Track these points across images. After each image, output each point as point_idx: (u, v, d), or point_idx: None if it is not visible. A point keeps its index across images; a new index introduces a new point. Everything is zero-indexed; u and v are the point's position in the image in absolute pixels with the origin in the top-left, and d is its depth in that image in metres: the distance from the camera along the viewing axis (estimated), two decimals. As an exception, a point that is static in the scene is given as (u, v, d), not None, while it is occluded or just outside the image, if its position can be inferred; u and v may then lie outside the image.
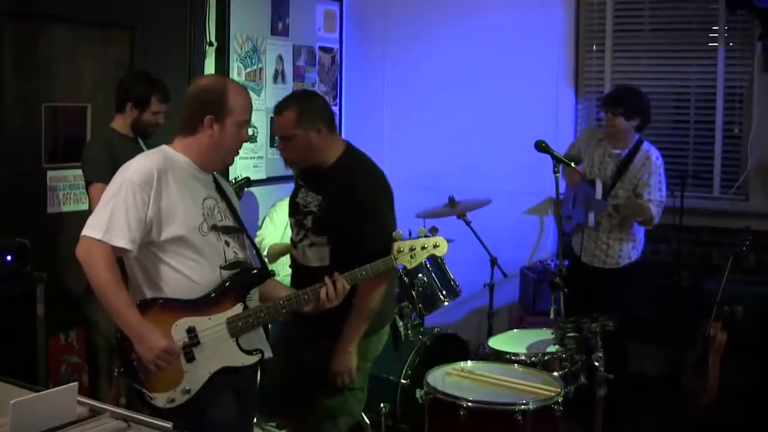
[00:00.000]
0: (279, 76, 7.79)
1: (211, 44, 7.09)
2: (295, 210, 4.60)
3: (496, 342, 5.48)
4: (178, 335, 3.62)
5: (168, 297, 3.66)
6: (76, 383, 2.72)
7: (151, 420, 2.74)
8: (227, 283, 3.76)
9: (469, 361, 5.00)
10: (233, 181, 6.34)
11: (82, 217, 5.81)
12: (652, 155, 6.19)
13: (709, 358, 6.19)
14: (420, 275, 6.31)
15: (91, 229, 3.58)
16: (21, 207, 5.77)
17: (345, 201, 4.41)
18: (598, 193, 6.17)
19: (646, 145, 6.27)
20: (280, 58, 7.80)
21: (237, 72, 7.27)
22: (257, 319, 3.83)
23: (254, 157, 7.52)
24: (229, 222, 3.85)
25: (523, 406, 4.33)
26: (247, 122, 3.87)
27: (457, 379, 4.75)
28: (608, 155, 6.34)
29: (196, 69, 6.91)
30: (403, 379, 5.76)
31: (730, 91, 7.33)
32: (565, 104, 7.78)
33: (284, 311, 3.94)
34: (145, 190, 3.58)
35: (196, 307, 3.68)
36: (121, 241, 3.53)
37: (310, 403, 4.57)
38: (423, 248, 4.19)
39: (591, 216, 6.23)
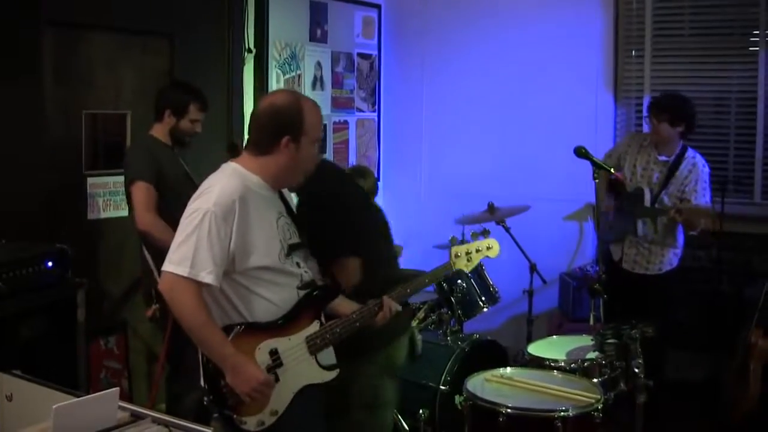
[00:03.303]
0: (318, 82, 7.80)
1: (249, 51, 7.12)
2: None
3: (536, 348, 5.45)
4: (261, 358, 3.62)
5: (249, 321, 3.65)
6: (117, 388, 2.73)
7: (192, 426, 2.75)
8: (304, 302, 3.79)
9: (508, 368, 4.98)
10: None
11: (122, 223, 5.90)
12: (698, 163, 6.24)
13: (750, 365, 6.14)
14: (459, 281, 6.31)
15: (174, 265, 3.51)
16: (61, 213, 5.81)
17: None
18: (647, 200, 6.16)
19: (691, 152, 6.31)
20: (318, 64, 7.81)
21: (276, 79, 7.30)
22: (333, 334, 3.86)
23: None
24: (296, 239, 3.85)
25: (562, 413, 4.31)
26: (320, 139, 3.88)
27: (496, 386, 4.73)
28: (653, 162, 6.35)
29: (235, 76, 6.95)
30: (442, 386, 5.75)
31: (771, 95, 7.26)
32: (605, 110, 7.74)
33: (357, 325, 3.97)
34: (227, 223, 3.52)
35: (277, 329, 3.69)
36: (208, 277, 3.49)
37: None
38: (478, 251, 4.36)
39: (640, 224, 6.20)
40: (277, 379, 3.64)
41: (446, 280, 6.32)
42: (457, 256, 4.35)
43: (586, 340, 5.36)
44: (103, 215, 6.11)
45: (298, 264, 3.82)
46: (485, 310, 6.48)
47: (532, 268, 6.73)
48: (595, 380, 4.86)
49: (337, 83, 8.05)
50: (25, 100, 5.58)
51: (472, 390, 4.60)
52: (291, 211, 3.93)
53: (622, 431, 4.91)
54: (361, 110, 8.38)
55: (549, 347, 5.47)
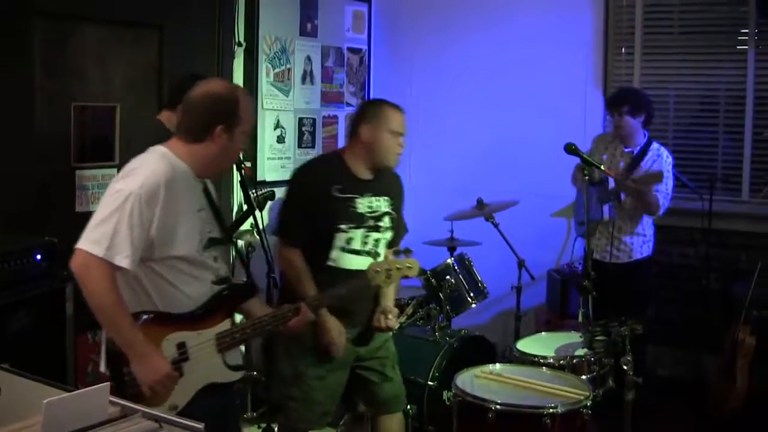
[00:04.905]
0: (307, 76, 7.79)
1: (239, 45, 7.11)
2: (358, 219, 4.65)
3: (525, 345, 5.47)
4: (168, 350, 3.55)
5: (159, 310, 3.58)
6: (108, 383, 2.72)
7: (182, 421, 2.74)
8: (217, 299, 3.73)
9: (497, 364, 4.99)
10: (255, 192, 6.03)
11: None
12: (663, 153, 6.34)
13: (737, 362, 6.17)
14: (447, 277, 6.32)
15: (90, 243, 3.43)
16: (50, 206, 5.79)
17: (402, 195, 5.01)
18: (611, 184, 6.21)
19: (656, 144, 6.41)
20: (308, 58, 7.80)
21: (266, 72, 7.29)
22: (243, 335, 3.82)
23: (282, 158, 7.51)
24: (216, 234, 3.78)
25: (551, 410, 4.32)
26: (250, 131, 3.85)
27: (485, 382, 4.74)
28: (620, 154, 6.47)
29: (225, 69, 6.93)
30: (431, 381, 5.76)
31: (759, 94, 7.28)
32: (594, 107, 7.74)
33: (269, 328, 3.95)
34: (151, 208, 3.44)
35: (187, 322, 3.62)
36: (124, 261, 3.41)
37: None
38: (398, 269, 4.37)
39: (605, 208, 6.29)
40: (181, 374, 3.57)
41: (435, 275, 6.33)
42: (376, 272, 4.31)
43: (574, 337, 5.37)
44: (92, 208, 6.07)
45: (215, 258, 3.76)
46: (473, 305, 6.49)
47: (521, 264, 6.71)
48: (583, 377, 4.88)
49: (326, 77, 8.03)
50: (14, 91, 5.55)
51: (461, 386, 4.61)
52: (213, 204, 3.84)
53: (610, 428, 4.91)
54: (350, 105, 8.35)
55: (538, 344, 5.49)
